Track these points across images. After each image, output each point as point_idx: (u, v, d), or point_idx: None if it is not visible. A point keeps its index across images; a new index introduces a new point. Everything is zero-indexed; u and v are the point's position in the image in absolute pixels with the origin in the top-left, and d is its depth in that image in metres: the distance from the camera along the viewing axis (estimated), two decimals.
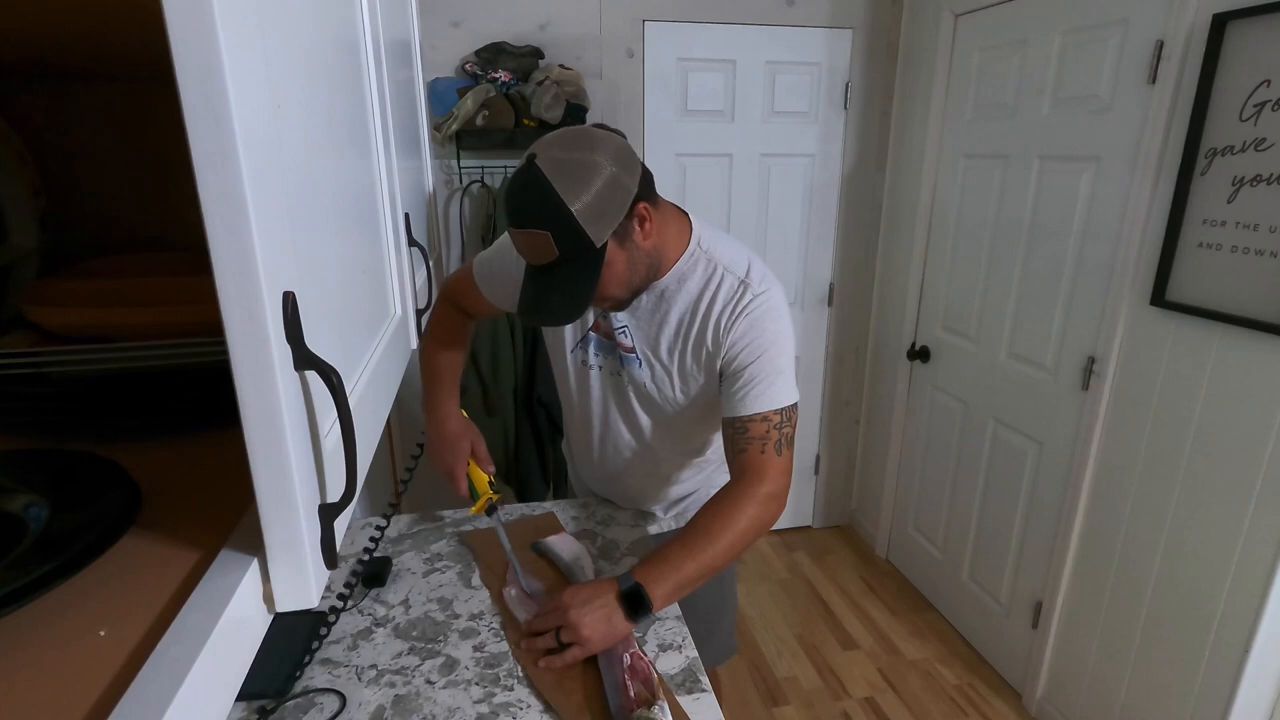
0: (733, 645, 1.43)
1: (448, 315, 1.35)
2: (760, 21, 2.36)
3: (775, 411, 1.05)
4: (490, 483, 1.23)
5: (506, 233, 1.07)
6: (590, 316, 1.17)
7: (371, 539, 1.19)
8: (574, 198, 0.90)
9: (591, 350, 1.20)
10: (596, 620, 0.93)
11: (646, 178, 0.99)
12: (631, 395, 1.20)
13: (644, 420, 1.22)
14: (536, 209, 0.91)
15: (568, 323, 1.01)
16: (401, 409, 2.44)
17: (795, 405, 1.07)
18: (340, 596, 1.05)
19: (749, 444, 1.04)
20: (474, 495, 1.22)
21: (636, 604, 0.94)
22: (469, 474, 1.22)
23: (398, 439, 2.45)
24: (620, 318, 1.14)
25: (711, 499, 1.04)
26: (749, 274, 1.08)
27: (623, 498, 1.39)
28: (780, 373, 1.06)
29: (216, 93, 0.29)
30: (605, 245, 0.94)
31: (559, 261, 0.93)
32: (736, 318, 1.06)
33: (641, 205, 0.97)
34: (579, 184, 0.90)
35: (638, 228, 0.98)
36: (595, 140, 0.94)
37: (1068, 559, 1.85)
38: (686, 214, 1.12)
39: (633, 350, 1.15)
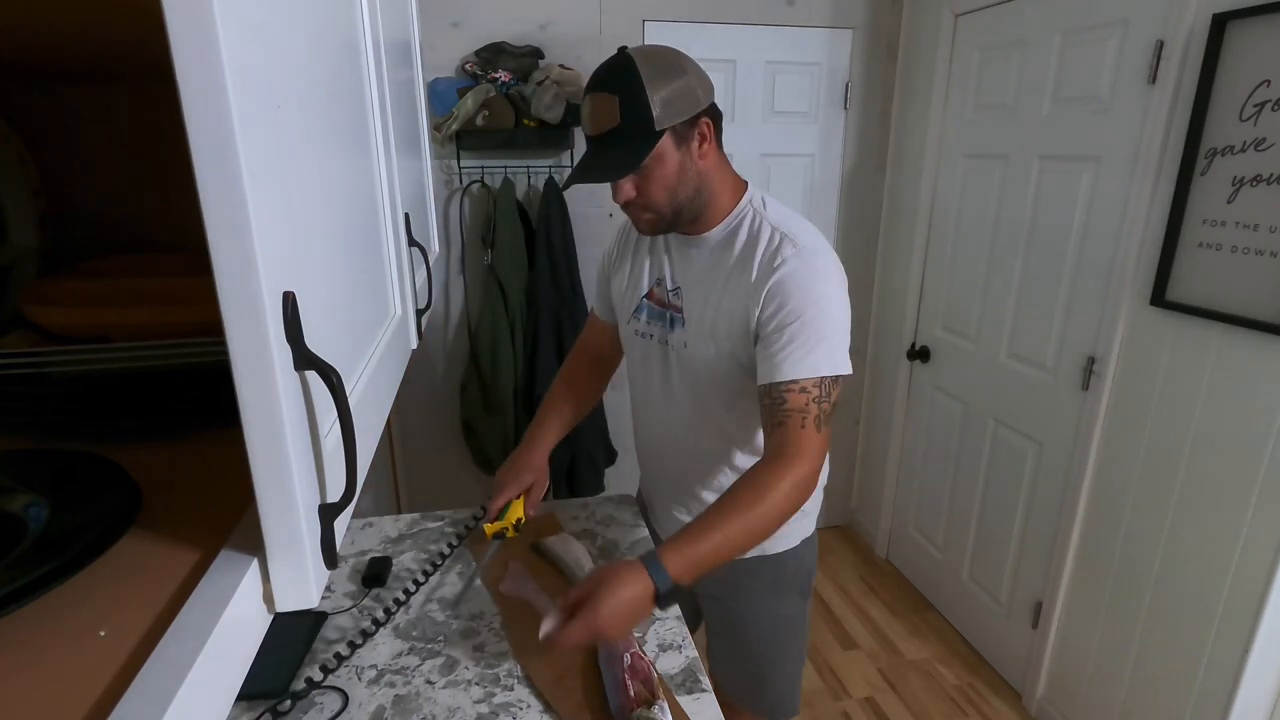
0: (793, 705, 1.30)
1: (577, 360, 1.38)
2: (760, 21, 2.36)
3: (814, 381, 0.96)
4: (519, 521, 1.19)
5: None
6: (645, 284, 1.17)
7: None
8: (649, 77, 0.96)
9: (644, 318, 1.18)
10: (624, 618, 0.84)
11: (717, 112, 1.05)
12: (673, 360, 1.14)
13: (680, 388, 1.14)
14: (611, 76, 0.98)
15: (606, 180, 1.01)
16: (401, 409, 2.44)
17: (838, 379, 0.98)
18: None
19: (788, 417, 0.95)
20: (499, 519, 1.18)
21: (659, 577, 0.85)
22: (511, 502, 1.19)
23: (398, 439, 2.45)
24: (675, 278, 1.13)
25: (743, 476, 0.95)
26: (798, 232, 1.03)
27: (669, 482, 1.26)
28: (822, 339, 0.97)
29: (216, 93, 0.29)
30: (663, 133, 0.97)
31: (619, 129, 0.97)
32: (775, 269, 1.00)
33: (705, 121, 1.01)
34: (656, 71, 0.97)
35: (697, 140, 1.01)
36: (685, 56, 1.02)
37: (1068, 559, 1.85)
38: (745, 181, 1.14)
39: (680, 310, 1.12)
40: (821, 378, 0.96)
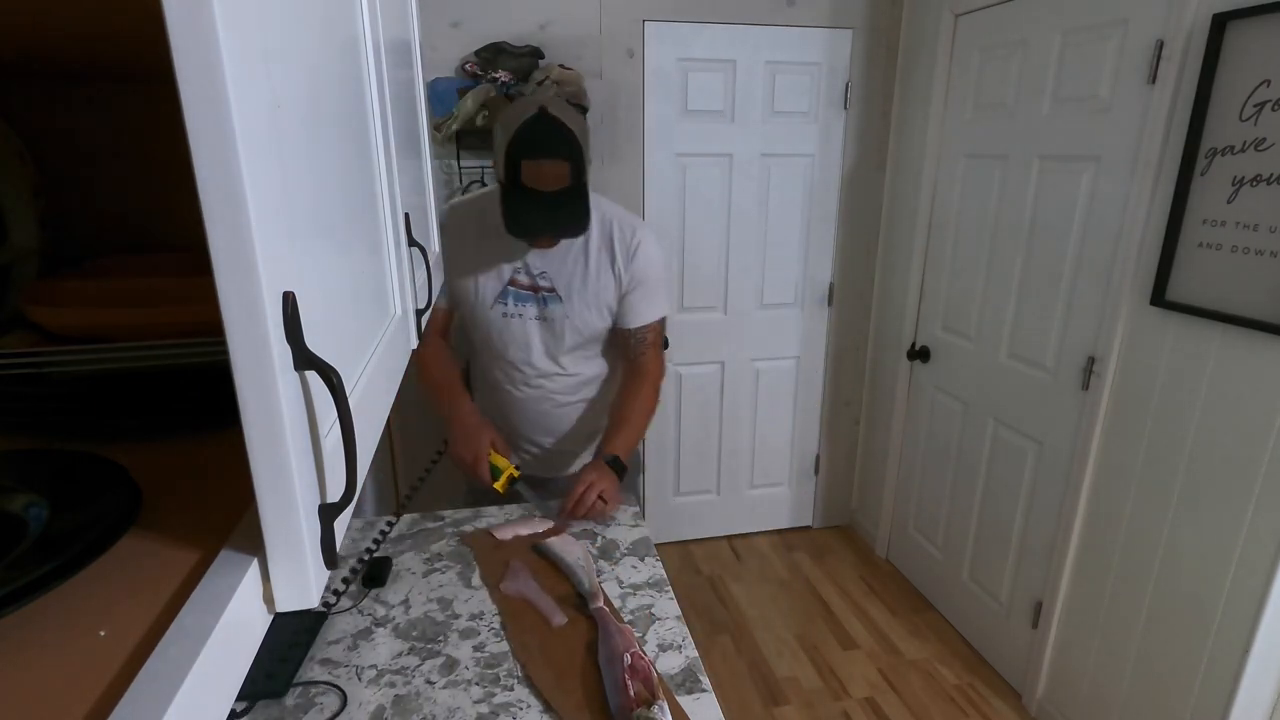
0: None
1: (437, 341, 1.55)
2: (760, 21, 2.36)
3: (658, 321, 1.47)
4: (513, 465, 1.40)
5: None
6: (506, 272, 1.41)
7: (375, 540, 1.19)
8: (583, 140, 1.24)
9: (511, 302, 1.42)
10: (612, 483, 1.33)
11: None
12: (561, 328, 1.43)
13: (569, 348, 1.45)
14: (563, 143, 1.21)
15: (581, 234, 1.33)
16: (401, 409, 2.43)
17: (665, 317, 1.49)
18: (335, 593, 1.05)
19: (646, 347, 1.46)
20: (495, 477, 1.38)
21: (618, 466, 1.36)
22: (491, 460, 1.38)
23: (398, 439, 2.45)
24: (539, 265, 1.39)
25: (626, 393, 1.46)
26: (633, 219, 1.43)
27: (549, 438, 1.55)
28: (660, 293, 1.46)
29: (216, 93, 0.29)
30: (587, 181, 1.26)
31: (569, 188, 1.23)
32: (633, 252, 1.39)
33: None
34: (581, 132, 1.24)
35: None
36: (569, 105, 1.28)
37: (1068, 559, 1.85)
38: None
39: (553, 290, 1.40)
40: (662, 318, 1.48)
